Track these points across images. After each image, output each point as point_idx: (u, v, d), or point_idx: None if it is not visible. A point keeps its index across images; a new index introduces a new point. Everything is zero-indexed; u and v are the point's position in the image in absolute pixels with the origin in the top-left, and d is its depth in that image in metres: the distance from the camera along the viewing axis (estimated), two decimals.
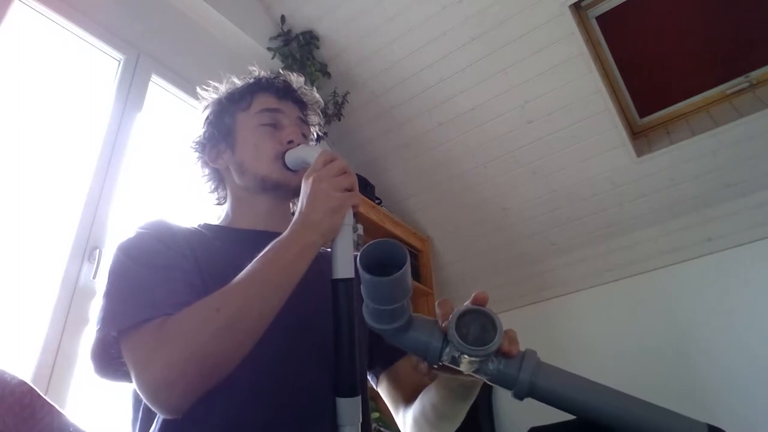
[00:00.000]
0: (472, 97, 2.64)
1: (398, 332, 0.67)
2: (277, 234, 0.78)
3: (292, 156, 0.93)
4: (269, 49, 2.62)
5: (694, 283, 2.53)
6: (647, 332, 2.57)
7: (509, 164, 2.74)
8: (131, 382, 0.72)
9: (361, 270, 0.63)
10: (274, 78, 1.04)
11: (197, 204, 1.83)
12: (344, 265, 0.75)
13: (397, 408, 0.95)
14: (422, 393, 0.87)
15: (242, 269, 0.74)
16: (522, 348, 0.66)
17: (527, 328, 2.70)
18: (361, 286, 0.66)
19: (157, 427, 0.73)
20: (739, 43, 2.45)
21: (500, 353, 0.63)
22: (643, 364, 2.51)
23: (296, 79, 1.06)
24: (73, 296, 1.58)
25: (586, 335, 2.74)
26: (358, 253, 0.66)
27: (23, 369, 1.43)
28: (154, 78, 2.12)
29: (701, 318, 2.46)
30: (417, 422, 0.88)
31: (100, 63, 2.00)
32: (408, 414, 0.91)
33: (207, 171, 1.04)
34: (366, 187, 2.79)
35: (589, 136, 2.55)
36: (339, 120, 2.75)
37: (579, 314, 2.81)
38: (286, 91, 1.03)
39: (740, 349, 2.32)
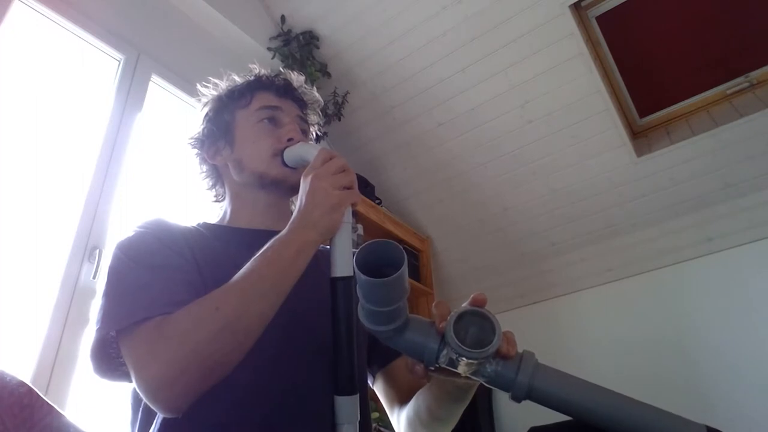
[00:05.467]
0: (472, 97, 2.64)
1: (395, 334, 0.67)
2: (276, 232, 0.78)
3: (291, 153, 0.92)
4: (269, 49, 2.62)
5: (694, 283, 2.53)
6: (648, 332, 2.57)
7: (509, 164, 2.74)
8: (130, 381, 0.72)
9: (357, 271, 0.62)
10: (275, 76, 1.04)
11: (197, 203, 1.83)
12: (343, 263, 0.75)
13: (392, 407, 0.95)
14: (417, 393, 0.87)
15: (241, 269, 0.74)
16: (520, 349, 0.66)
17: (527, 328, 2.74)
18: (357, 287, 0.66)
19: (157, 427, 0.73)
20: (739, 43, 2.45)
21: (498, 355, 0.63)
22: (643, 364, 2.51)
23: (296, 78, 1.06)
24: (73, 296, 1.58)
25: (586, 335, 2.74)
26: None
27: (23, 369, 1.43)
28: (154, 78, 2.12)
29: (701, 318, 2.46)
30: (411, 423, 0.88)
31: (100, 63, 2.00)
32: (402, 414, 0.91)
33: (205, 168, 1.04)
34: (366, 187, 2.79)
35: (589, 136, 2.55)
36: (339, 120, 2.75)
37: (579, 314, 2.81)
38: (286, 90, 1.03)
39: (741, 348, 2.32)
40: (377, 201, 2.85)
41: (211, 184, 1.05)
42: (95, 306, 0.78)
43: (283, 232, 0.77)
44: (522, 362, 0.64)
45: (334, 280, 0.75)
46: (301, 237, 0.76)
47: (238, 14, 2.50)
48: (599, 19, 2.47)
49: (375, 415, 1.97)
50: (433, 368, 0.67)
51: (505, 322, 0.61)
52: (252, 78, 1.03)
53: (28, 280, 1.57)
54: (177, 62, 2.22)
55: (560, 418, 0.68)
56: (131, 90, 2.00)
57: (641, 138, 2.63)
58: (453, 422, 0.86)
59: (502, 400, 2.79)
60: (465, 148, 2.78)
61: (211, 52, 2.42)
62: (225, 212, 1.01)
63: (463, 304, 0.65)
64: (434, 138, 2.82)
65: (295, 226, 0.77)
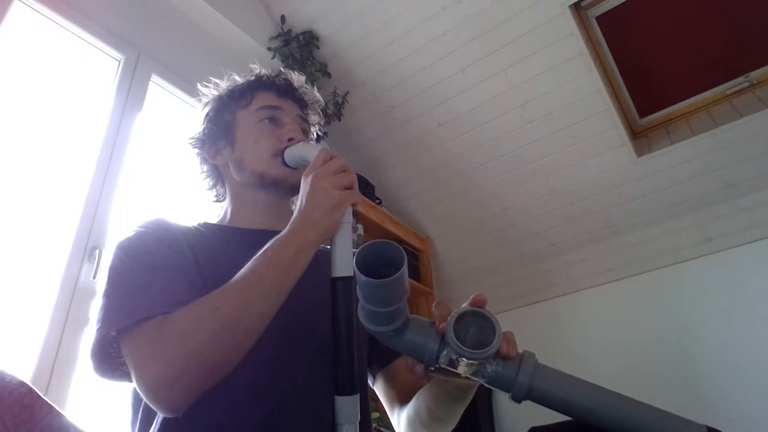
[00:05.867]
0: (472, 97, 2.64)
1: (395, 335, 0.67)
2: (276, 232, 0.78)
3: (292, 153, 0.93)
4: (269, 49, 2.62)
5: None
6: (648, 332, 2.57)
7: (509, 164, 2.74)
8: (131, 381, 0.72)
9: (357, 271, 0.62)
10: (275, 76, 1.04)
11: (197, 203, 1.83)
12: (344, 263, 0.75)
13: (392, 408, 0.95)
14: (417, 394, 0.87)
15: (241, 269, 0.74)
16: (520, 349, 0.66)
17: (527, 328, 2.74)
18: (357, 288, 0.66)
19: (157, 427, 0.74)
20: (739, 43, 2.45)
21: (498, 356, 0.63)
22: (643, 364, 2.51)
23: (297, 78, 1.06)
24: (73, 296, 1.58)
25: (586, 335, 2.74)
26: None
27: (23, 369, 1.43)
28: (154, 78, 2.12)
29: (701, 318, 2.46)
30: (411, 423, 0.88)
31: (100, 63, 2.00)
32: (402, 414, 0.91)
33: (206, 168, 1.04)
34: (366, 187, 2.79)
35: (589, 136, 2.55)
36: (339, 120, 2.75)
37: (579, 314, 2.81)
38: (286, 89, 1.03)
39: (741, 348, 2.32)
40: (377, 201, 2.85)
41: (211, 184, 1.05)
42: (95, 306, 0.78)
43: (284, 231, 0.77)
44: (522, 362, 0.63)
45: (335, 280, 0.75)
46: (301, 237, 0.76)
47: (238, 14, 2.50)
48: (599, 19, 2.47)
49: (375, 415, 1.97)
50: (433, 368, 0.67)
51: (505, 322, 0.61)
52: (252, 78, 1.03)
53: (28, 280, 1.57)
54: (177, 62, 2.22)
55: (560, 418, 0.68)
56: (131, 90, 2.00)
57: (641, 138, 2.63)
58: (453, 422, 0.86)
59: (502, 400, 2.79)
60: (465, 148, 2.78)
61: (211, 52, 2.42)
62: (225, 212, 1.01)
63: (463, 305, 0.65)
64: (434, 138, 2.82)
65: (295, 225, 0.77)
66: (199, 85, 1.06)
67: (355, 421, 0.71)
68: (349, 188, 0.80)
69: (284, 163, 0.93)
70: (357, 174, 0.84)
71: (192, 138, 1.04)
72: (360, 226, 2.42)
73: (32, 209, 1.65)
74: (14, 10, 1.61)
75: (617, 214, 2.66)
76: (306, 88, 1.07)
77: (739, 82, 2.44)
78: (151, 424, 0.75)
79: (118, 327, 0.73)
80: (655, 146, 2.52)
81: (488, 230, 2.93)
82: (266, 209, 0.97)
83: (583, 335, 2.75)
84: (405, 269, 0.63)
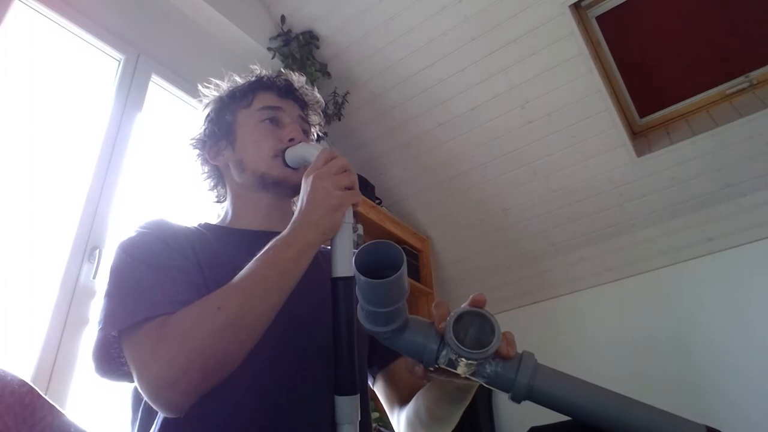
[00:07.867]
0: (472, 97, 2.64)
1: (394, 335, 0.66)
2: (277, 233, 0.78)
3: (293, 153, 0.93)
4: (269, 49, 2.62)
5: (694, 283, 2.53)
6: (647, 332, 2.57)
7: (509, 164, 2.74)
8: (132, 381, 0.72)
9: (356, 272, 0.62)
10: (276, 76, 1.04)
11: (197, 204, 1.83)
12: (344, 264, 0.75)
13: (392, 408, 0.95)
14: (417, 394, 0.87)
15: (242, 269, 0.74)
16: (520, 349, 0.66)
17: (527, 328, 2.75)
18: (356, 289, 0.66)
19: (158, 427, 0.74)
20: (739, 43, 2.45)
21: (498, 356, 0.63)
22: (643, 364, 2.51)
23: (298, 79, 1.06)
24: (73, 296, 1.58)
25: (586, 335, 2.75)
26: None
27: (23, 369, 1.43)
28: (154, 78, 2.12)
29: (701, 318, 2.46)
30: (411, 423, 0.88)
31: (100, 63, 2.00)
32: (402, 415, 0.91)
33: (207, 168, 1.04)
34: (366, 187, 2.79)
35: (589, 136, 2.55)
36: (339, 120, 2.76)
37: (579, 314, 2.81)
38: (287, 90, 1.03)
39: (740, 347, 2.32)
40: (377, 201, 2.85)
41: (212, 185, 1.05)
42: (96, 306, 0.78)
43: (285, 232, 0.77)
44: (521, 363, 0.63)
45: (335, 281, 0.75)
46: (302, 237, 0.76)
47: (238, 14, 2.50)
48: (599, 19, 2.48)
49: (375, 415, 1.97)
50: (432, 369, 0.67)
51: (505, 322, 0.61)
52: (253, 78, 1.04)
53: (28, 280, 1.57)
54: (177, 62, 2.22)
55: (560, 418, 0.68)
56: (131, 90, 2.00)
57: (641, 138, 2.64)
58: (453, 423, 0.86)
59: (502, 400, 2.79)
60: (465, 148, 2.78)
61: (211, 52, 2.42)
62: (226, 213, 1.01)
63: (463, 305, 0.65)
64: (434, 138, 2.82)
65: (296, 226, 0.77)
66: (199, 85, 1.07)
67: (355, 421, 0.71)
68: (350, 188, 0.80)
69: (285, 164, 0.94)
70: (357, 174, 0.84)
71: (193, 139, 1.04)
72: (360, 226, 2.42)
73: (32, 209, 1.65)
74: (14, 10, 1.61)
75: (617, 214, 2.66)
76: (306, 88, 1.07)
77: (739, 82, 2.44)
78: (152, 424, 0.75)
79: (119, 327, 0.73)
80: (655, 146, 2.52)
81: (488, 230, 2.93)
82: (267, 210, 0.97)
83: (583, 335, 2.75)
84: (404, 269, 0.62)
